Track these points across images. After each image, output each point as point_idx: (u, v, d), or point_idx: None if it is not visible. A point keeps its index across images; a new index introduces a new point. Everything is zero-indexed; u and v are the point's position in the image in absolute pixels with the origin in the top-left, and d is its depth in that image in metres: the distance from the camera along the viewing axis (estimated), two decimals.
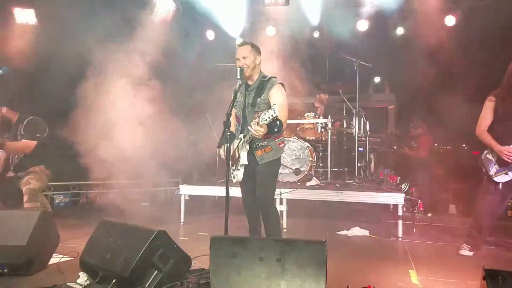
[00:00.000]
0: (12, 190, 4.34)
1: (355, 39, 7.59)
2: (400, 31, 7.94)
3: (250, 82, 3.51)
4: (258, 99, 3.38)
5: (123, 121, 5.65)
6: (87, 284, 2.74)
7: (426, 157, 7.00)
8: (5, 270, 2.96)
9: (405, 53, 7.52)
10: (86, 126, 5.52)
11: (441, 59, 6.97)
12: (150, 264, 2.63)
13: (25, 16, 7.52)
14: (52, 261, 3.37)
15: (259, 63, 3.48)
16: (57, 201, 7.39)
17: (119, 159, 5.45)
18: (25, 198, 4.15)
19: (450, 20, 7.31)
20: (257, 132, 3.06)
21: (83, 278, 2.80)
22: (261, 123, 3.03)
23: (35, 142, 4.31)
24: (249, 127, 3.12)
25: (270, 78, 3.44)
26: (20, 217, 3.22)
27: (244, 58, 3.39)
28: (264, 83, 3.41)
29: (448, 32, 7.17)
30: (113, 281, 2.67)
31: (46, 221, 3.25)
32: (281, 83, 3.43)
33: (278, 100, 3.28)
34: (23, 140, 4.27)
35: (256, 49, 3.46)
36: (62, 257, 3.46)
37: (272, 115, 2.95)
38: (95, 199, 7.87)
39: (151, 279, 2.62)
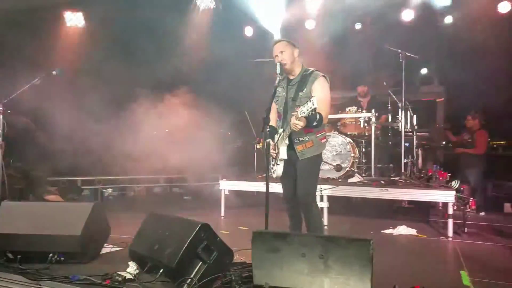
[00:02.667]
0: None
1: (400, 29, 7.33)
2: (448, 19, 7.54)
3: (291, 77, 3.48)
4: (300, 93, 3.34)
5: (166, 118, 5.82)
6: (136, 273, 2.85)
7: (483, 153, 6.61)
8: (62, 258, 3.14)
9: (455, 43, 7.16)
10: (132, 124, 5.75)
11: (494, 48, 6.57)
12: (195, 256, 2.69)
13: (74, 19, 7.92)
14: (104, 250, 3.54)
15: (298, 56, 3.44)
16: (106, 195, 7.77)
17: (164, 156, 5.64)
18: None
19: (504, 7, 6.87)
20: (295, 126, 3.04)
21: (132, 267, 2.90)
22: (299, 116, 3.00)
23: None
24: (291, 121, 3.11)
25: (313, 71, 3.39)
26: (75, 209, 3.40)
27: (281, 53, 3.38)
28: (306, 77, 3.37)
29: (501, 20, 6.74)
30: (161, 271, 2.77)
31: (98, 213, 3.41)
32: (324, 76, 3.38)
33: (320, 93, 3.23)
34: None
35: (292, 44, 3.44)
36: (113, 247, 3.64)
37: (311, 107, 2.92)
38: (142, 193, 8.19)
39: (196, 270, 2.68)
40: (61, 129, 5.51)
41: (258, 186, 5.75)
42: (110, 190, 7.85)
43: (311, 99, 2.93)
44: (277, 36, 7.62)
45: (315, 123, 3.16)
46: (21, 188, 4.69)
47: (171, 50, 6.81)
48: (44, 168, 5.29)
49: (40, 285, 2.78)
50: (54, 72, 4.50)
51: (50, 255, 3.12)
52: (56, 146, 5.44)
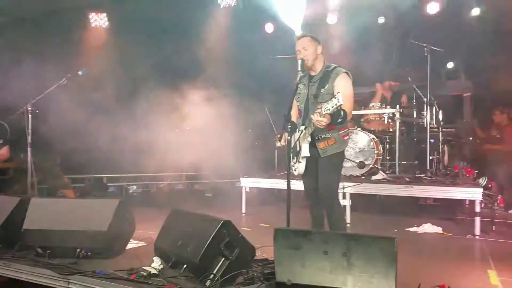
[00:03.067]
0: None
1: (425, 23, 7.16)
2: (475, 12, 7.31)
3: (313, 73, 3.44)
4: (322, 90, 3.30)
5: (189, 116, 5.89)
6: (161, 268, 2.89)
7: None
8: (89, 253, 3.22)
9: (482, 36, 6.93)
10: (155, 122, 5.85)
11: None
12: (218, 252, 2.72)
13: (98, 20, 8.10)
14: (129, 246, 3.61)
15: (320, 53, 3.40)
16: (130, 191, 7.94)
17: (186, 153, 5.71)
18: None
19: None
20: (319, 122, 3.00)
21: (157, 262, 2.95)
22: (324, 113, 2.95)
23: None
24: (311, 116, 3.07)
25: (335, 67, 3.34)
26: (101, 205, 3.48)
27: (304, 49, 3.33)
28: (328, 73, 3.33)
29: None
30: (184, 266, 2.81)
31: (124, 209, 3.47)
32: (346, 72, 3.33)
33: (343, 89, 3.18)
34: None
35: (316, 39, 3.39)
36: (138, 243, 3.71)
37: (336, 104, 2.87)
38: (164, 190, 8.34)
39: (218, 266, 2.71)
40: (86, 128, 5.65)
41: (279, 183, 5.74)
42: (134, 187, 8.03)
43: (336, 96, 2.88)
44: (298, 32, 7.58)
45: (339, 120, 3.11)
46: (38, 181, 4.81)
47: (193, 49, 6.87)
48: (53, 158, 5.42)
49: (68, 279, 2.86)
50: (79, 73, 4.60)
51: (78, 250, 3.20)
52: (83, 145, 5.59)
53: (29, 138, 4.43)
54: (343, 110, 3.11)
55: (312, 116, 3.07)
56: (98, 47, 7.77)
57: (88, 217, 3.32)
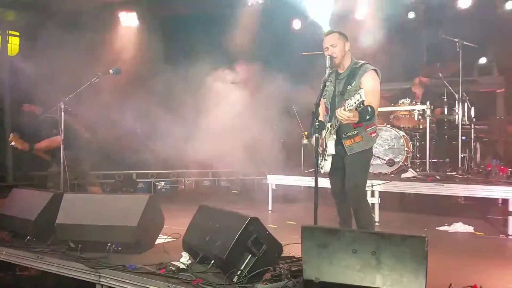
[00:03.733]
0: None
1: (456, 17, 6.94)
2: (510, 5, 7.03)
3: (340, 70, 3.41)
4: (349, 87, 3.26)
5: (217, 113, 5.95)
6: (189, 264, 2.94)
7: None
8: (119, 248, 3.31)
9: None
10: (182, 119, 5.93)
11: None
12: (245, 248, 2.73)
13: (128, 19, 8.26)
14: (158, 241, 3.67)
15: (348, 50, 3.36)
16: (159, 187, 8.11)
17: (214, 151, 5.76)
18: None
19: None
20: (342, 116, 2.96)
21: (185, 257, 3.00)
22: (347, 108, 2.92)
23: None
24: (337, 111, 3.04)
25: (363, 64, 3.29)
26: (131, 200, 3.56)
27: (332, 46, 3.30)
28: (355, 70, 3.28)
29: None
30: (212, 261, 2.84)
31: (153, 205, 3.53)
32: (374, 69, 3.28)
33: (370, 86, 3.13)
34: None
35: (344, 36, 3.35)
36: (167, 238, 3.77)
37: (358, 100, 2.83)
38: (191, 186, 8.47)
39: (245, 263, 2.73)
40: (117, 125, 5.79)
41: (305, 181, 5.71)
42: (162, 183, 8.18)
43: (359, 91, 2.85)
44: (326, 28, 7.49)
45: (367, 117, 3.07)
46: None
47: (222, 46, 6.91)
48: (87, 163, 5.61)
49: (99, 273, 2.95)
50: (111, 71, 4.68)
51: (109, 244, 3.28)
52: (114, 142, 5.75)
53: (62, 136, 4.55)
54: (371, 107, 3.06)
55: (337, 111, 3.04)
56: (128, 46, 7.93)
57: (119, 213, 3.40)
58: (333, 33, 3.36)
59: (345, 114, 2.94)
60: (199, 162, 6.54)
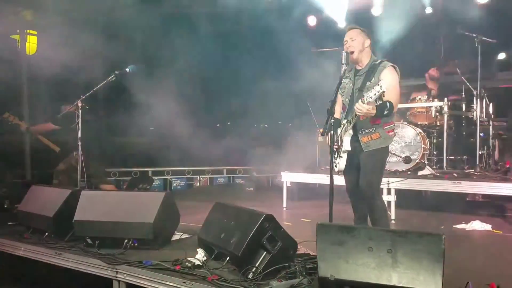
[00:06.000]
0: None
1: (475, 12, 6.80)
2: None
3: (359, 67, 3.38)
4: (368, 83, 3.22)
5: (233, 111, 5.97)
6: (205, 260, 2.95)
7: None
8: (136, 244, 3.34)
9: None
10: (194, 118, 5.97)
11: None
12: (260, 246, 2.74)
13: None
14: (174, 237, 3.71)
15: (368, 47, 3.33)
16: (174, 185, 8.21)
17: (228, 149, 5.80)
18: None
19: None
20: (360, 109, 2.92)
21: (201, 254, 3.02)
22: (366, 101, 2.88)
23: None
24: (356, 105, 3.00)
25: (382, 61, 3.26)
26: (148, 198, 3.59)
27: (351, 39, 3.28)
28: (375, 67, 3.25)
29: None
30: (227, 258, 2.86)
31: (169, 202, 3.56)
32: (393, 66, 3.24)
33: (389, 81, 3.09)
34: None
35: (365, 32, 3.34)
36: (182, 235, 3.80)
37: (378, 91, 2.79)
38: (206, 183, 8.54)
39: (260, 260, 2.73)
40: (135, 124, 5.87)
41: (320, 178, 5.69)
42: (178, 180, 8.29)
43: (379, 83, 2.80)
44: (341, 24, 7.42)
45: (386, 112, 3.03)
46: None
47: (235, 45, 6.93)
48: (101, 162, 5.72)
49: (116, 269, 2.98)
50: (127, 69, 4.71)
51: (126, 241, 3.31)
52: (131, 140, 5.83)
53: (79, 133, 4.60)
54: (389, 102, 3.02)
55: (356, 104, 3.01)
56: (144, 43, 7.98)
57: (136, 209, 3.43)
58: (355, 28, 3.35)
59: (364, 107, 2.91)
60: (214, 160, 6.55)
